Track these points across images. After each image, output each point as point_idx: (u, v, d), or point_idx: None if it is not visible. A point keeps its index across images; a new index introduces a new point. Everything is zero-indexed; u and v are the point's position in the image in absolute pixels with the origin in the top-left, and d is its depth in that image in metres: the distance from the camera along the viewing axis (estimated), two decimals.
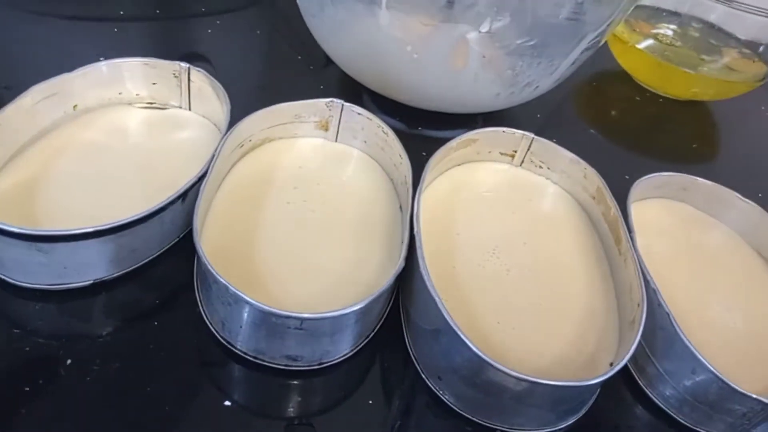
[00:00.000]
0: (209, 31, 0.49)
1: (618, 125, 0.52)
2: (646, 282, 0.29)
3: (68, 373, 0.25)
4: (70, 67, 0.34)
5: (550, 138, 0.38)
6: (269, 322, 0.25)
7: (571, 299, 0.31)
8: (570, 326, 0.30)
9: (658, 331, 0.29)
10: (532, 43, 0.36)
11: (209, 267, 0.25)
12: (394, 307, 0.30)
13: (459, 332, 0.24)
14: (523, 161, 0.38)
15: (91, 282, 0.28)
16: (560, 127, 0.49)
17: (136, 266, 0.29)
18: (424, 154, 0.41)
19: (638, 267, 0.30)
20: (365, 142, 0.37)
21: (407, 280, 0.29)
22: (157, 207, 0.28)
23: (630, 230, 0.32)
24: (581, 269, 0.33)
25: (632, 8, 0.40)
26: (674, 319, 0.28)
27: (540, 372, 0.27)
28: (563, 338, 0.29)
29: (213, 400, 0.25)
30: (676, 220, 0.38)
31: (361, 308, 0.25)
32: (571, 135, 0.48)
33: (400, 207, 0.34)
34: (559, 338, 0.29)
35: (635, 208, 0.35)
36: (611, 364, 0.27)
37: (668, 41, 0.55)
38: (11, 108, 0.31)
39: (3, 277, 0.28)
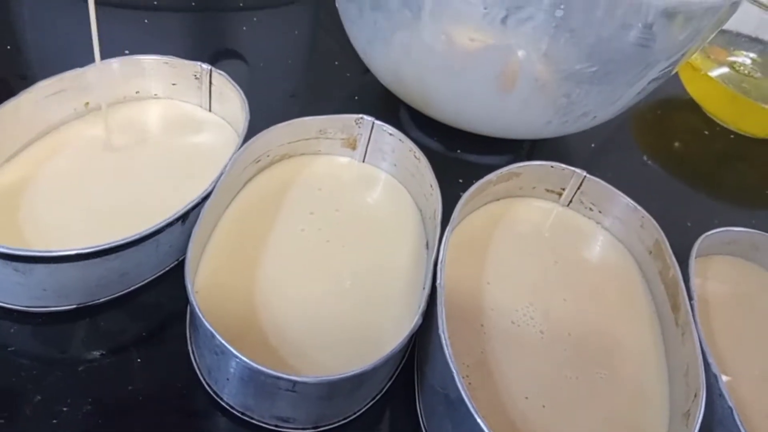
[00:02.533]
0: (244, 28, 0.46)
1: (681, 160, 0.47)
2: (707, 365, 0.25)
3: (34, 413, 0.22)
4: (94, 59, 0.32)
5: (604, 171, 0.33)
6: (258, 380, 0.21)
7: (614, 376, 0.27)
8: (610, 411, 0.25)
9: (717, 427, 0.24)
10: (593, 69, 0.31)
11: (196, 309, 0.22)
12: (409, 361, 0.27)
13: (475, 413, 0.21)
14: (571, 201, 0.34)
15: (75, 306, 0.25)
16: (615, 158, 0.44)
17: (126, 291, 0.26)
18: (461, 181, 0.37)
19: (698, 345, 0.25)
20: (395, 165, 0.34)
21: (425, 335, 0.25)
22: (152, 229, 0.25)
23: (691, 297, 0.28)
24: (630, 339, 0.28)
25: (712, 36, 0.35)
26: (738, 417, 0.23)
27: None
28: (601, 425, 0.25)
29: None
30: (745, 286, 0.33)
31: (363, 372, 0.22)
32: (628, 168, 0.44)
33: (427, 244, 0.31)
34: (596, 424, 0.25)
35: (698, 266, 0.30)
36: None
37: (746, 71, 0.50)
38: (12, 104, 0.28)
39: None
